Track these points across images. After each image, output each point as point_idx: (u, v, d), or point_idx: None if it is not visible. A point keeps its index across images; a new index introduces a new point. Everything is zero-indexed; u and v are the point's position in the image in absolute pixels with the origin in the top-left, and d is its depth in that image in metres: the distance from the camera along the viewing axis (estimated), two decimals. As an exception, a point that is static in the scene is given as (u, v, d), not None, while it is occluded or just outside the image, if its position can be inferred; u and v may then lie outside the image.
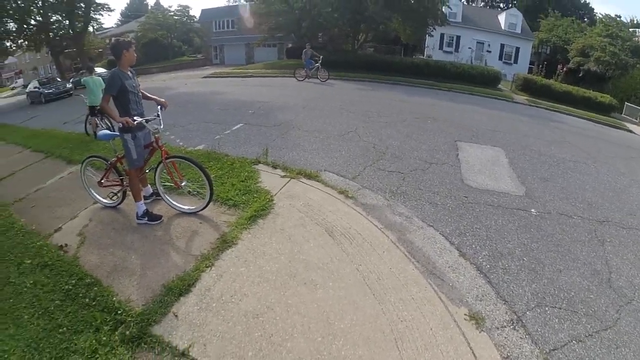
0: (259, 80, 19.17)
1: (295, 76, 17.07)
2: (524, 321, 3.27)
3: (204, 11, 41.84)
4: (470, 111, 12.94)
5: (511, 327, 3.19)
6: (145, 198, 4.34)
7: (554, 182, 6.70)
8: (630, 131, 17.99)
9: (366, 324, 2.94)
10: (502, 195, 5.76)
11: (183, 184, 4.14)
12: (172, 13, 42.62)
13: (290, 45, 29.05)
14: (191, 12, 44.42)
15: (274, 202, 4.49)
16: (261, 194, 4.57)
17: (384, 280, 3.46)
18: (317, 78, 16.61)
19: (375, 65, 21.26)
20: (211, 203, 4.24)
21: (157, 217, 4.07)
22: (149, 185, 4.53)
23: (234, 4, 48.63)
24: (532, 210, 5.43)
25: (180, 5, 49.66)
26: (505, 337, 3.05)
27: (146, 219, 4.02)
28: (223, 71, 26.00)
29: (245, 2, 39.50)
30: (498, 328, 3.15)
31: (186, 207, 4.26)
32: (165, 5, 47.85)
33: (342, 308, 3.09)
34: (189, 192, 4.39)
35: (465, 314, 3.19)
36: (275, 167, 5.81)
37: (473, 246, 4.29)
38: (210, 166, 5.66)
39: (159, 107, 3.98)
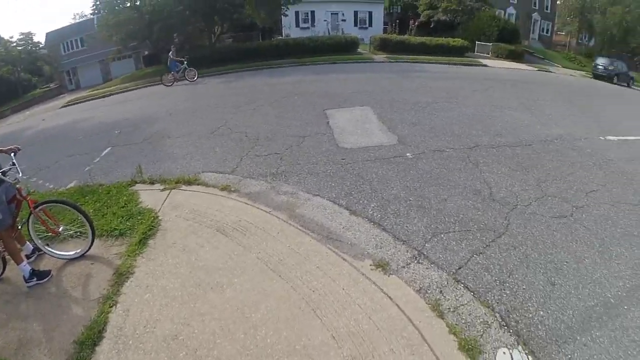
0: (120, 96, 20.38)
1: (163, 82, 18.89)
2: (425, 253, 4.38)
3: (49, 34, 44.13)
4: (335, 79, 15.26)
5: (415, 262, 4.23)
6: (28, 257, 4.53)
7: (422, 125, 8.69)
8: (485, 65, 24.38)
9: (281, 306, 3.55)
10: (377, 148, 7.25)
11: (60, 229, 4.50)
12: (14, 44, 44.55)
13: (146, 52, 33.12)
14: (35, 39, 46.50)
15: (160, 218, 5.09)
16: (145, 215, 5.12)
17: (285, 259, 4.14)
18: (186, 79, 18.88)
19: (237, 55, 24.07)
20: (96, 239, 4.53)
21: (46, 274, 4.26)
22: (28, 242, 4.40)
23: (81, 19, 51.57)
24: (408, 154, 7.04)
25: (22, 33, 47.38)
26: (413, 273, 4.04)
27: (35, 279, 4.14)
28: (80, 96, 26.31)
29: (92, 16, 40.71)
30: (404, 267, 4.13)
31: (72, 253, 4.54)
32: (5, 37, 45.49)
33: (254, 299, 3.63)
34: (70, 236, 4.64)
35: (370, 265, 4.09)
36: (152, 182, 6.25)
37: (361, 202, 5.36)
38: (86, 201, 5.78)
39: (11, 154, 4.12)
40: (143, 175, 6.50)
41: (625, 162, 8.37)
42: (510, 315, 3.60)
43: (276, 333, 3.26)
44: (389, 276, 3.94)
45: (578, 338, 3.48)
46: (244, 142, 7.77)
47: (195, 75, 18.98)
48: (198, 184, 5.98)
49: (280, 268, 4.00)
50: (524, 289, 3.96)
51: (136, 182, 6.29)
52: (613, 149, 9.26)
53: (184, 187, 5.94)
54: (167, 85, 18.72)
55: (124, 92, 21.56)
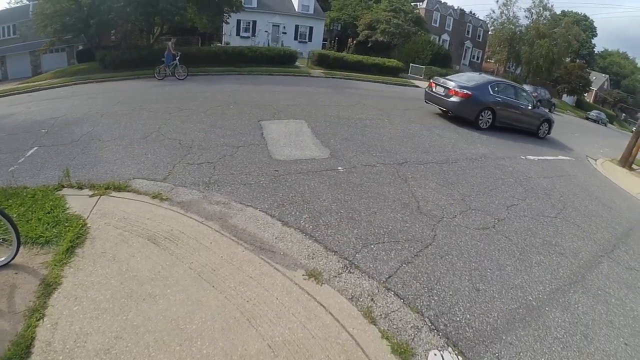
0: (50, 92, 19.12)
1: (155, 75, 18.98)
2: (356, 263, 4.59)
3: None
4: (271, 91, 15.68)
5: (347, 271, 4.41)
6: None
7: (354, 141, 9.19)
8: (417, 86, 26.26)
9: (216, 317, 3.55)
10: (310, 161, 7.53)
11: None
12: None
13: (80, 47, 32.50)
14: None
15: (88, 225, 4.90)
16: (72, 221, 4.95)
17: (219, 270, 4.16)
18: (175, 76, 19.04)
19: (161, 59, 23.50)
20: (21, 247, 4.19)
21: None
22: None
23: (16, 4, 49.18)
24: (339, 168, 7.39)
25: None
26: (344, 282, 4.23)
27: None
28: (7, 88, 23.91)
29: (28, 2, 39.34)
30: (336, 276, 4.30)
31: None
32: None
33: (188, 310, 3.59)
34: None
35: (303, 275, 4.22)
36: (81, 187, 6.00)
37: (293, 213, 5.51)
38: (10, 204, 5.38)
39: None
40: (71, 179, 6.27)
41: (543, 179, 9.28)
42: (439, 320, 3.88)
43: (212, 344, 3.27)
44: (321, 285, 4.08)
45: (504, 338, 3.84)
46: (177, 149, 7.72)
47: (185, 74, 19.10)
48: (129, 191, 5.84)
49: (213, 278, 4.01)
50: (450, 294, 4.29)
51: (63, 187, 6.01)
52: (533, 167, 10.24)
53: (114, 193, 5.77)
54: (159, 79, 18.74)
55: (54, 87, 20.40)
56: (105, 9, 22.56)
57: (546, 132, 14.43)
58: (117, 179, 6.27)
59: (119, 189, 5.89)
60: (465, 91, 12.35)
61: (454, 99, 12.50)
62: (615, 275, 5.78)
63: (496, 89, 13.05)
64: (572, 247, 6.21)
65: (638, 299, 5.34)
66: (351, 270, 4.42)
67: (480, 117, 12.64)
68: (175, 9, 22.93)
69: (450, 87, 12.66)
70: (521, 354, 3.68)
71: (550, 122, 14.53)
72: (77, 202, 5.45)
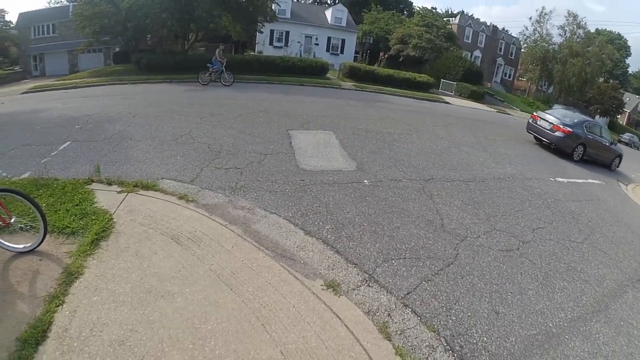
0: (85, 90, 19.97)
1: (200, 80, 19.17)
2: (375, 277, 4.58)
3: (22, 15, 43.88)
4: (301, 101, 15.82)
5: (365, 285, 4.39)
6: None
7: (382, 154, 9.18)
8: (447, 102, 26.11)
9: (231, 319, 3.60)
10: (336, 173, 7.57)
11: (13, 220, 4.40)
12: (-17, 18, 42.03)
13: (117, 49, 33.79)
14: (7, 17, 46.06)
15: (114, 220, 5.07)
16: (99, 215, 5.13)
17: (238, 273, 4.22)
18: (221, 82, 19.18)
19: (207, 65, 24.07)
20: (47, 235, 4.44)
21: None
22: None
23: (57, 4, 51.17)
24: (365, 181, 7.38)
25: (-6, 9, 45.88)
26: (362, 295, 4.22)
27: None
28: (45, 84, 24.81)
29: (68, 3, 41.50)
30: (354, 289, 4.29)
31: (21, 246, 4.44)
32: (-23, 10, 45.13)
33: (204, 310, 3.67)
34: (21, 228, 4.53)
35: (321, 285, 4.24)
36: (110, 183, 6.21)
37: (316, 223, 5.54)
38: (40, 194, 5.64)
39: None
40: (101, 174, 6.48)
41: (572, 202, 9.04)
42: (455, 340, 3.82)
43: (225, 345, 3.31)
44: (339, 297, 4.09)
45: None
46: (205, 153, 7.91)
47: (231, 80, 19.19)
48: (156, 190, 6.01)
49: (232, 281, 4.08)
50: (469, 315, 4.23)
51: (93, 181, 6.24)
52: (562, 190, 9.99)
53: (141, 191, 5.96)
54: (203, 84, 18.88)
55: (90, 86, 21.26)
56: (142, 14, 23.34)
57: (617, 165, 15.80)
58: (146, 177, 6.46)
59: (146, 187, 6.08)
60: (568, 128, 14.03)
61: (557, 134, 14.14)
62: None
63: (588, 127, 14.81)
64: (597, 275, 6.02)
65: None
66: (370, 284, 4.42)
67: (575, 151, 14.19)
68: (210, 17, 23.53)
69: (555, 123, 14.31)
70: (538, 382, 3.59)
71: (621, 157, 15.88)
72: (105, 197, 5.65)
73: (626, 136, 45.91)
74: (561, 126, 14.10)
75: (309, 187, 6.67)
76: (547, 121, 14.56)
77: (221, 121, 10.62)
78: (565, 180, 11.24)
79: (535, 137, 15.44)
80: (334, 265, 4.64)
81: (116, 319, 3.50)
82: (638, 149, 43.68)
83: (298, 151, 8.45)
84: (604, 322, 4.86)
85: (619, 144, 16.93)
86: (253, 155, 7.95)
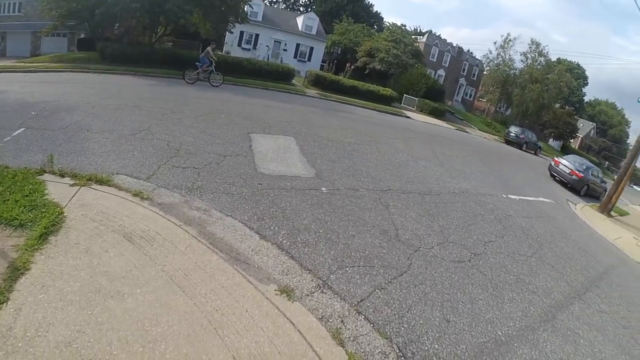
0: (45, 75, 18.79)
1: (185, 78, 18.71)
2: (329, 284, 4.59)
3: None
4: (264, 105, 15.76)
5: (319, 291, 4.40)
6: None
7: (341, 163, 9.26)
8: (408, 117, 26.97)
9: (183, 322, 3.50)
10: (295, 178, 7.55)
11: None
12: None
13: (82, 35, 32.49)
14: None
15: (65, 214, 4.83)
16: (50, 208, 4.88)
17: (191, 275, 4.12)
18: (209, 82, 18.97)
19: (174, 61, 23.76)
20: None
21: None
22: None
23: None
24: (323, 188, 7.42)
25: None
26: (316, 301, 4.22)
27: None
28: (3, 65, 23.42)
29: None
30: (308, 295, 4.28)
31: None
32: None
33: (155, 312, 3.54)
34: None
35: (275, 290, 4.20)
36: (63, 175, 5.93)
37: (272, 228, 5.50)
38: None
39: None
40: (54, 165, 6.20)
41: (522, 218, 9.42)
42: (408, 347, 3.88)
43: (176, 349, 3.22)
44: (292, 302, 4.07)
45: None
46: (164, 150, 7.69)
47: (220, 81, 19.18)
48: (110, 185, 5.79)
49: (185, 283, 3.97)
50: (421, 323, 4.31)
51: (45, 172, 5.93)
52: (513, 206, 10.41)
53: (95, 185, 5.72)
54: (189, 82, 18.43)
55: (50, 71, 20.13)
56: (112, 1, 22.71)
57: (601, 195, 19.41)
58: (101, 172, 6.22)
59: (101, 182, 5.83)
60: (581, 174, 18.90)
61: (574, 177, 18.79)
62: (586, 317, 5.89)
63: (591, 172, 19.88)
64: (545, 287, 6.30)
65: (607, 341, 5.44)
66: (324, 290, 4.41)
67: (582, 188, 18.96)
68: (181, 12, 23.21)
69: (573, 169, 19.04)
70: (486, 390, 3.69)
71: (605, 190, 19.50)
72: (57, 190, 5.39)
73: None
74: (577, 172, 18.92)
75: (267, 192, 6.63)
76: (567, 167, 19.27)
77: (182, 119, 10.43)
78: (517, 197, 11.70)
79: (554, 177, 20.02)
80: (288, 270, 4.61)
81: (63, 319, 3.34)
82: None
83: (258, 155, 8.39)
84: (551, 331, 5.08)
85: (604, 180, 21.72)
86: (212, 156, 7.83)
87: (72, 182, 5.73)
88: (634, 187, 57.60)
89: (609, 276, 8.29)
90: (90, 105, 10.99)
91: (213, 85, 18.92)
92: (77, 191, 5.49)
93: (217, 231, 5.09)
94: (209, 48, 19.59)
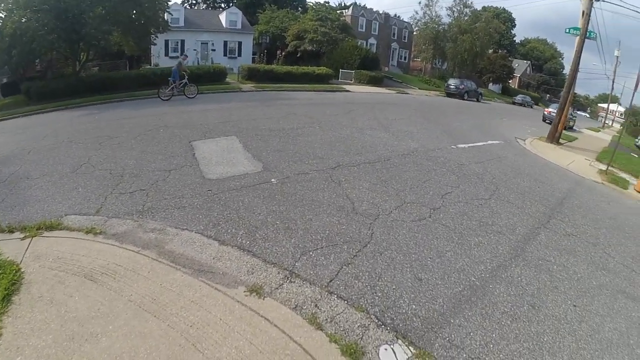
0: None
1: (160, 96, 18.58)
2: (296, 272, 4.57)
3: None
4: (201, 110, 15.51)
5: (288, 281, 4.39)
6: None
7: (286, 151, 9.25)
8: (348, 91, 27.53)
9: (161, 346, 3.43)
10: (243, 177, 7.47)
11: None
12: None
13: (5, 80, 31.42)
14: None
15: (22, 270, 4.67)
16: (6, 268, 4.69)
17: (159, 298, 4.03)
18: (185, 95, 19.02)
19: (103, 85, 23.51)
20: None
21: None
22: None
23: None
24: (273, 180, 7.38)
25: None
26: (286, 292, 4.20)
27: None
28: None
29: None
30: (277, 288, 4.26)
31: None
32: None
33: (132, 344, 3.45)
34: None
35: (244, 291, 4.16)
36: (11, 231, 5.68)
37: (229, 231, 5.44)
38: None
39: None
40: (0, 223, 5.91)
41: (475, 164, 9.72)
42: (386, 315, 3.93)
43: (159, 376, 3.16)
44: (263, 299, 4.04)
45: (452, 321, 3.96)
46: (108, 179, 7.49)
47: (196, 92, 19.37)
48: (61, 229, 5.62)
49: (154, 308, 3.89)
50: (394, 288, 4.37)
51: None
52: (464, 155, 10.73)
53: (46, 233, 5.55)
54: (164, 99, 18.34)
55: None
56: (27, 39, 21.69)
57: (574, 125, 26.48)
58: (49, 217, 5.99)
59: (51, 228, 5.64)
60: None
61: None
62: (554, 243, 6.19)
63: (571, 112, 25.17)
64: (508, 224, 6.54)
65: (579, 261, 5.75)
66: (292, 279, 4.40)
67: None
68: (100, 34, 22.52)
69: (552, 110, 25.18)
70: (471, 333, 3.81)
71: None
72: (8, 247, 5.19)
73: (519, 97, 51.28)
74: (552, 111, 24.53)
75: (217, 196, 6.54)
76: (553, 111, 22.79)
77: (121, 143, 10.14)
78: (466, 145, 12.07)
79: (549, 122, 23.62)
80: (253, 269, 4.57)
81: (45, 375, 3.22)
82: (531, 107, 48.72)
83: (202, 161, 8.26)
84: (523, 265, 5.30)
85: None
86: (157, 173, 7.66)
87: (22, 235, 5.52)
88: (579, 113, 60.95)
89: (569, 200, 8.74)
90: (26, 151, 10.55)
91: (189, 97, 18.94)
92: (29, 243, 5.29)
93: (176, 248, 4.99)
94: (178, 62, 19.43)
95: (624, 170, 14.49)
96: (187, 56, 21.88)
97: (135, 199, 6.53)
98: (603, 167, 13.79)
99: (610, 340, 4.17)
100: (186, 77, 19.08)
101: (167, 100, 18.39)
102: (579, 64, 17.93)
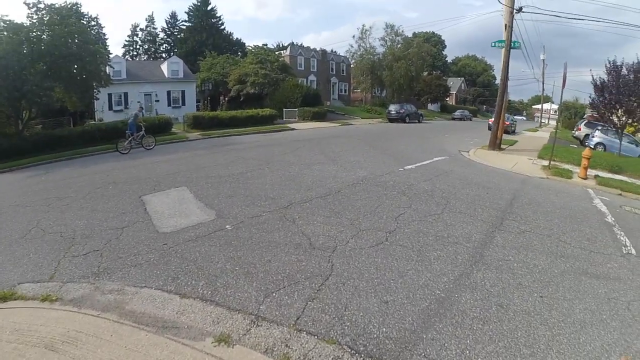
0: None
1: (118, 149, 18.85)
2: (262, 315, 4.48)
3: None
4: (149, 162, 15.40)
5: (255, 326, 4.31)
6: None
7: (238, 196, 9.27)
8: (293, 129, 28.33)
9: None
10: (197, 226, 7.36)
11: None
12: None
13: None
14: None
15: None
16: None
17: None
18: (142, 147, 19.50)
19: (48, 144, 23.12)
20: None
21: None
22: None
23: None
24: (227, 226, 7.33)
25: None
26: (255, 337, 4.11)
27: None
28: None
29: None
30: (245, 334, 4.17)
31: None
32: None
33: None
34: None
35: (212, 342, 4.04)
36: None
37: (189, 283, 5.31)
38: None
39: None
40: None
41: (424, 182, 10.05)
42: (357, 342, 3.91)
43: None
44: (233, 347, 3.94)
45: (424, 336, 3.99)
46: (59, 243, 7.20)
47: (153, 143, 19.96)
48: (16, 299, 5.34)
49: None
50: (361, 315, 4.36)
51: None
52: (412, 175, 11.08)
53: (0, 304, 5.21)
54: (123, 153, 18.59)
55: None
56: None
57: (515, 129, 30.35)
58: (1, 287, 5.68)
59: (4, 298, 5.34)
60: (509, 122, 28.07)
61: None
62: (510, 242, 6.44)
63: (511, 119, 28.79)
64: (463, 234, 6.76)
65: (538, 254, 6.00)
66: (259, 323, 4.32)
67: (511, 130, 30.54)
68: (41, 90, 22.23)
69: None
70: (446, 344, 3.85)
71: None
72: None
73: (457, 113, 54.09)
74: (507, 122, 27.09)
75: (174, 249, 6.40)
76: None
77: (70, 203, 9.80)
78: (413, 166, 12.49)
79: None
80: (218, 318, 4.47)
81: None
82: (470, 120, 51.21)
83: (154, 215, 8.13)
84: (484, 269, 5.48)
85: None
86: (110, 232, 7.44)
87: (-26, 308, 5.15)
88: (517, 117, 64.60)
89: (518, 199, 9.17)
90: None
91: (147, 149, 19.34)
92: None
93: (137, 307, 4.80)
94: (134, 114, 19.72)
95: (566, 162, 15.44)
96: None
97: (90, 260, 6.31)
98: (545, 163, 14.59)
99: (583, 321, 4.34)
100: (143, 129, 19.36)
101: (125, 153, 18.50)
102: (508, 72, 19.16)
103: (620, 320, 4.41)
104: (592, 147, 19.88)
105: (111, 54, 30.25)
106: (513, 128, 33.68)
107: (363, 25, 59.38)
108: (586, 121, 30.30)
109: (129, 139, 19.27)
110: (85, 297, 5.19)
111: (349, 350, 3.81)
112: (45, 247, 7.10)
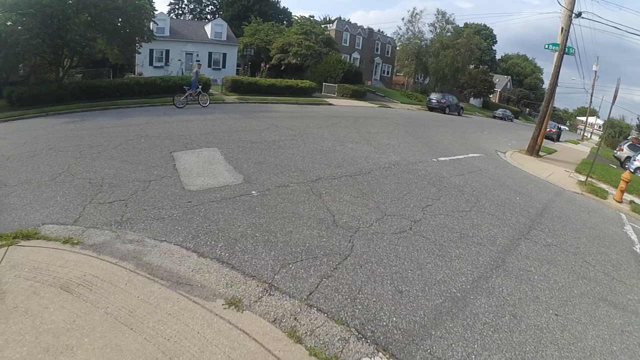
0: None
1: (175, 103, 19.44)
2: (275, 285, 4.51)
3: None
4: (184, 120, 15.49)
5: (267, 294, 4.32)
6: None
7: (268, 163, 9.23)
8: (330, 104, 27.83)
9: None
10: (223, 188, 7.40)
11: None
12: None
13: None
14: None
15: None
16: None
17: (136, 311, 3.94)
18: (199, 103, 20.20)
19: (86, 93, 23.34)
20: None
21: None
22: None
23: None
24: (253, 192, 7.34)
25: None
26: (265, 305, 4.13)
27: None
28: None
29: None
30: (256, 301, 4.20)
31: None
32: None
33: (107, 358, 3.35)
34: None
35: (223, 304, 4.09)
36: None
37: (208, 243, 5.36)
38: None
39: None
40: None
41: (456, 177, 9.81)
42: (366, 327, 3.88)
43: (134, 390, 3.07)
44: (242, 312, 3.98)
45: (433, 333, 3.93)
46: (87, 189, 7.36)
47: (207, 100, 20.52)
48: (38, 238, 5.50)
49: (131, 320, 3.80)
50: (374, 301, 4.33)
51: None
52: (445, 167, 10.84)
53: (22, 242, 5.42)
54: (179, 107, 19.04)
55: None
56: (12, 42, 21.47)
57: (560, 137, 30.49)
58: (26, 226, 5.86)
59: (27, 237, 5.52)
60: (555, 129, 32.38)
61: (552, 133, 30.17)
62: (535, 253, 6.23)
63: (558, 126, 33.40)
64: (489, 236, 6.59)
65: (560, 271, 5.80)
66: (271, 292, 4.34)
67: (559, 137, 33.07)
68: (84, 40, 22.48)
69: (552, 128, 29.68)
70: (453, 345, 3.79)
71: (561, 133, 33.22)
72: None
73: (499, 111, 52.51)
74: (554, 129, 31.10)
75: (197, 208, 6.46)
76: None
77: (101, 152, 10.01)
78: (447, 158, 12.22)
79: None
80: (232, 282, 4.51)
81: (18, 389, 3.13)
82: (511, 121, 49.94)
83: (183, 172, 8.20)
84: (504, 275, 5.32)
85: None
86: (137, 184, 7.56)
87: (-2, 244, 5.36)
88: (561, 126, 62.77)
89: (549, 211, 8.85)
90: (5, 157, 10.35)
91: (203, 106, 19.82)
92: (5, 253, 5.17)
93: (154, 259, 4.90)
94: (196, 71, 20.42)
95: (603, 181, 14.82)
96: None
97: (114, 209, 6.43)
98: (582, 178, 14.08)
99: (593, 348, 4.20)
100: (200, 86, 19.81)
101: (181, 107, 18.99)
102: (557, 78, 18.36)
103: (629, 355, 4.24)
104: (632, 170, 19.05)
105: (156, 10, 30.23)
106: (558, 136, 34.08)
107: (414, 9, 58.08)
108: (630, 143, 28.84)
109: (186, 94, 19.56)
110: (105, 244, 5.32)
111: (356, 333, 3.79)
112: (73, 192, 7.27)
